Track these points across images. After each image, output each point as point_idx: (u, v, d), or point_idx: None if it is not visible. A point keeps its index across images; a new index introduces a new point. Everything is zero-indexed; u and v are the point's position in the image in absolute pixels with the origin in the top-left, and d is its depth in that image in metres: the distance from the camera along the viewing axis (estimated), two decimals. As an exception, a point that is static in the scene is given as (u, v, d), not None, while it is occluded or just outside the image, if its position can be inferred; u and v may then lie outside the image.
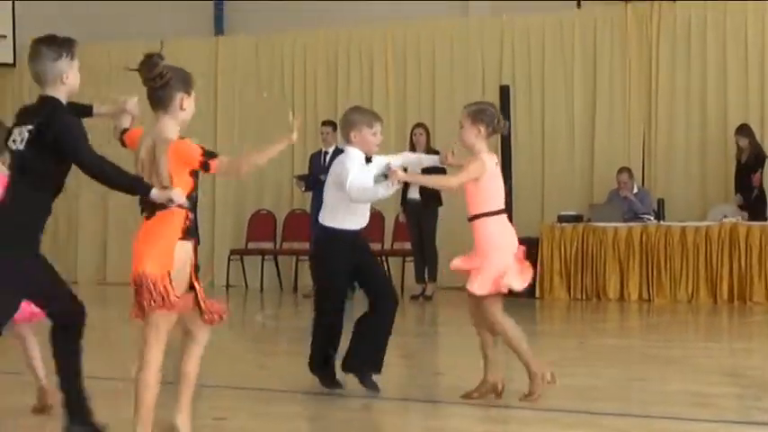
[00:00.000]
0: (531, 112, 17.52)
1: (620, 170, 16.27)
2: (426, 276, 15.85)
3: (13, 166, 6.01)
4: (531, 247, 15.77)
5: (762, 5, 16.37)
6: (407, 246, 16.64)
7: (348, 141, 7.84)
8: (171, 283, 5.65)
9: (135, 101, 6.34)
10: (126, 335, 12.26)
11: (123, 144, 6.13)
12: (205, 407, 8.05)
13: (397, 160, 8.09)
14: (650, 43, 16.98)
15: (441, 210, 15.46)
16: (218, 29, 20.11)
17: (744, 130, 15.65)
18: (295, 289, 17.77)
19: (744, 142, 15.58)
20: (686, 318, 13.90)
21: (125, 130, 6.17)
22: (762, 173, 15.41)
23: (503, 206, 7.53)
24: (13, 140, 5.96)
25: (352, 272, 7.93)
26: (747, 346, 11.40)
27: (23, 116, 6.05)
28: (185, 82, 5.91)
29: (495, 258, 7.34)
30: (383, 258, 17.09)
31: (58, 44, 6.01)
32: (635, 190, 16.20)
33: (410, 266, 16.78)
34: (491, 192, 7.41)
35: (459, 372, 8.74)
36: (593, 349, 10.57)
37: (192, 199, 5.73)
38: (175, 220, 5.67)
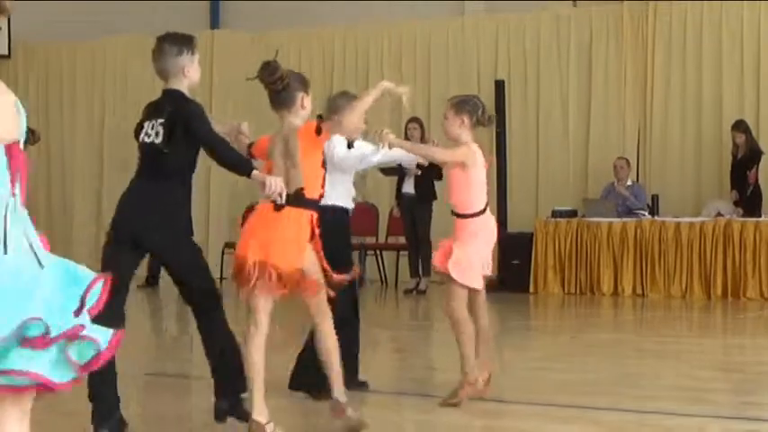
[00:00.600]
0: (526, 108, 17.52)
1: (619, 158, 16.30)
2: (420, 270, 15.85)
3: (144, 159, 6.42)
4: (525, 242, 15.97)
5: (757, 3, 16.37)
6: (402, 240, 16.64)
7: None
8: (303, 277, 6.15)
9: (246, 124, 6.86)
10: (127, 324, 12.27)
11: (252, 156, 6.57)
12: (199, 399, 8.06)
13: (391, 153, 8.03)
14: (645, 40, 16.98)
15: (435, 204, 15.46)
16: (214, 23, 20.10)
17: (740, 125, 15.66)
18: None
19: (740, 138, 15.58)
20: (680, 313, 13.92)
21: (250, 144, 6.68)
22: (757, 169, 15.42)
23: (486, 201, 7.49)
24: (146, 134, 6.39)
25: None
26: (740, 341, 11.42)
27: (152, 111, 6.45)
28: (303, 83, 6.47)
29: (475, 250, 7.32)
30: (377, 252, 17.10)
31: (179, 41, 6.47)
32: (629, 182, 16.21)
33: (404, 260, 16.77)
34: (479, 186, 7.32)
35: (452, 366, 8.74)
36: (586, 344, 10.58)
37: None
38: (304, 220, 6.18)
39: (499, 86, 16.42)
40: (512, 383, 7.47)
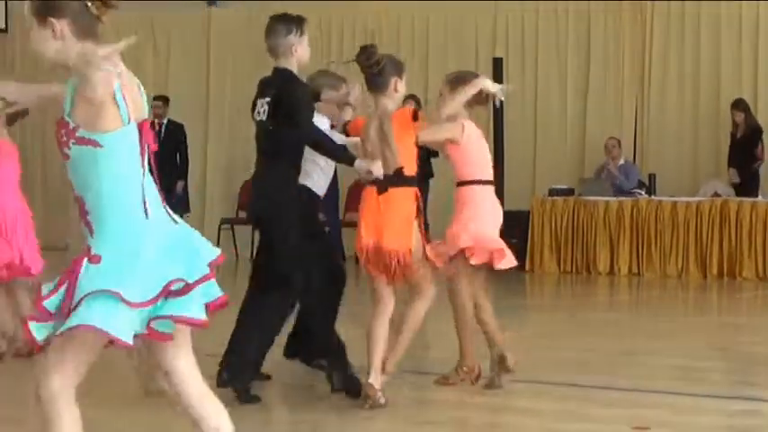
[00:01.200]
0: (523, 86, 17.47)
1: (610, 138, 16.28)
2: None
3: (258, 137, 6.72)
4: (521, 221, 15.96)
5: (756, -18, 16.35)
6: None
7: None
8: (411, 257, 6.44)
9: (357, 90, 7.12)
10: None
11: (347, 134, 6.95)
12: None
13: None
14: (644, 19, 16.94)
15: (432, 182, 15.45)
16: (211, 0, 20.02)
17: (740, 104, 15.62)
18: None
19: (739, 117, 15.54)
20: (675, 292, 13.94)
21: (347, 122, 6.99)
22: (763, 146, 15.36)
23: (491, 178, 7.39)
24: (258, 112, 6.70)
25: None
26: (736, 321, 11.43)
27: (263, 88, 6.78)
28: (397, 67, 6.72)
29: (480, 226, 7.20)
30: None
31: (289, 20, 6.81)
32: (621, 161, 16.19)
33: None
34: (476, 158, 7.19)
35: (448, 344, 8.75)
36: (582, 323, 10.60)
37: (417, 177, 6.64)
38: (409, 198, 6.55)
39: (497, 64, 16.39)
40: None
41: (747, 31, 16.45)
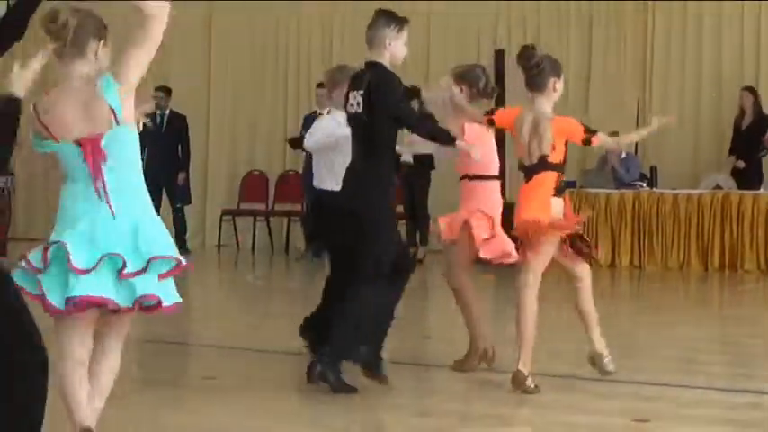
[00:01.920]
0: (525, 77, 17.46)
1: (611, 133, 16.23)
2: (418, 240, 15.86)
3: (352, 129, 6.91)
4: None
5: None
6: (399, 209, 16.64)
7: (331, 99, 7.81)
8: (546, 231, 6.74)
9: (446, 80, 7.45)
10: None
11: (491, 123, 7.16)
12: (194, 366, 8.08)
13: None
14: (646, 9, 16.92)
15: (433, 173, 15.44)
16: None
17: (751, 89, 15.61)
18: (287, 250, 17.77)
19: (748, 101, 15.45)
20: (677, 285, 13.93)
21: (491, 111, 7.22)
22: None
23: (497, 173, 7.50)
24: (351, 105, 6.85)
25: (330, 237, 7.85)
26: (737, 313, 11.42)
27: (355, 81, 6.94)
28: (555, 68, 7.05)
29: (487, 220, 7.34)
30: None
31: (390, 16, 6.94)
32: (623, 154, 16.17)
33: (402, 230, 16.78)
34: (483, 153, 7.28)
35: (448, 335, 8.75)
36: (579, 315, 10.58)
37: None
38: (548, 180, 6.88)
39: (499, 56, 16.36)
40: (507, 353, 7.46)
41: (749, 26, 16.44)
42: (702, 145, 16.59)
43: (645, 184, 15.70)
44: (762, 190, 14.90)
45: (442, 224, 7.59)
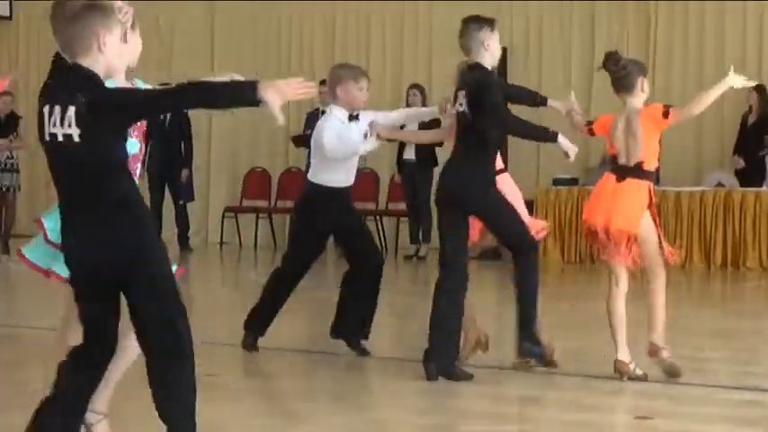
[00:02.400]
0: (528, 74, 17.46)
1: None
2: (420, 237, 15.87)
3: (458, 126, 7.25)
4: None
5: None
6: (402, 206, 16.65)
7: (335, 97, 7.84)
8: (635, 243, 7.14)
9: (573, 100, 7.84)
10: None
11: (592, 133, 7.66)
12: (196, 363, 8.07)
13: (393, 115, 8.09)
14: (648, 8, 16.92)
15: (436, 170, 15.44)
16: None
17: (760, 87, 15.60)
18: (289, 247, 17.76)
19: (753, 100, 15.42)
20: (679, 282, 13.92)
21: (590, 122, 7.69)
22: None
23: (502, 166, 7.55)
24: (460, 104, 7.21)
25: (335, 232, 8.02)
26: (739, 310, 11.42)
27: (461, 81, 7.40)
28: (642, 69, 7.49)
29: None
30: (377, 218, 17.10)
31: (479, 19, 7.41)
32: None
33: (405, 227, 16.79)
34: None
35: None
36: (585, 312, 10.57)
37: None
38: (642, 190, 7.17)
39: (502, 54, 16.34)
40: (510, 351, 7.47)
41: (751, 27, 16.45)
42: (705, 143, 16.58)
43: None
44: (764, 187, 14.90)
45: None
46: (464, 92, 7.19)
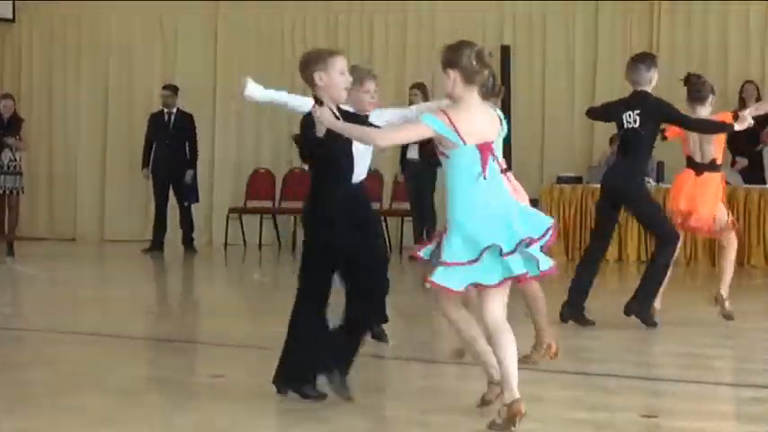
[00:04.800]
0: (531, 73, 17.47)
1: (612, 138, 16.22)
2: (425, 236, 15.87)
3: (624, 138, 9.47)
4: (529, 209, 15.92)
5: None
6: (406, 206, 16.65)
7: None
8: (715, 222, 9.51)
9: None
10: (123, 292, 12.29)
11: (664, 138, 9.76)
12: (202, 364, 8.09)
13: (406, 113, 7.95)
14: (651, 7, 16.92)
15: (439, 170, 15.42)
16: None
17: (753, 83, 15.60)
18: (293, 247, 17.78)
19: (752, 96, 15.42)
20: (684, 280, 13.92)
21: (662, 129, 9.59)
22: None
23: (505, 165, 7.50)
24: (627, 121, 9.34)
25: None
26: (744, 308, 11.40)
27: (630, 103, 9.39)
28: (712, 88, 9.87)
29: None
30: (381, 218, 17.10)
31: (648, 61, 9.54)
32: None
33: (408, 226, 16.79)
34: None
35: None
36: (589, 310, 10.58)
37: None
38: (716, 181, 9.55)
39: (505, 52, 16.37)
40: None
41: (756, 26, 16.43)
42: (709, 140, 16.57)
43: (651, 180, 15.68)
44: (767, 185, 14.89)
45: None
46: (635, 112, 9.23)
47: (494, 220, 5.67)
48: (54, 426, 5.60)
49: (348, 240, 6.31)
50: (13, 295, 12.57)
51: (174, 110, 17.36)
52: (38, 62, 20.04)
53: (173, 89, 17.45)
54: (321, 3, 18.61)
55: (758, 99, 15.48)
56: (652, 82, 9.40)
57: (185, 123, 17.33)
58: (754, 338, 9.14)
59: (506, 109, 15.91)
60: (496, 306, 5.68)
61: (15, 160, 15.89)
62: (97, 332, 8.75)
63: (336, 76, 6.28)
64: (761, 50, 16.41)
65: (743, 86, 15.81)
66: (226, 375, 7.21)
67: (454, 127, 5.69)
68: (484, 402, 6.11)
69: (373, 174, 17.49)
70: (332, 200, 6.27)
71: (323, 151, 6.14)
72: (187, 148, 17.30)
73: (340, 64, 6.33)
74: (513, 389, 5.62)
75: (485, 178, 5.72)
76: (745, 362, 8.11)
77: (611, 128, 16.43)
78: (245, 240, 18.29)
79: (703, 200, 9.43)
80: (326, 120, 5.97)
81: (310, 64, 6.29)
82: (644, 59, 9.52)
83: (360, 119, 6.61)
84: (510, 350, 5.64)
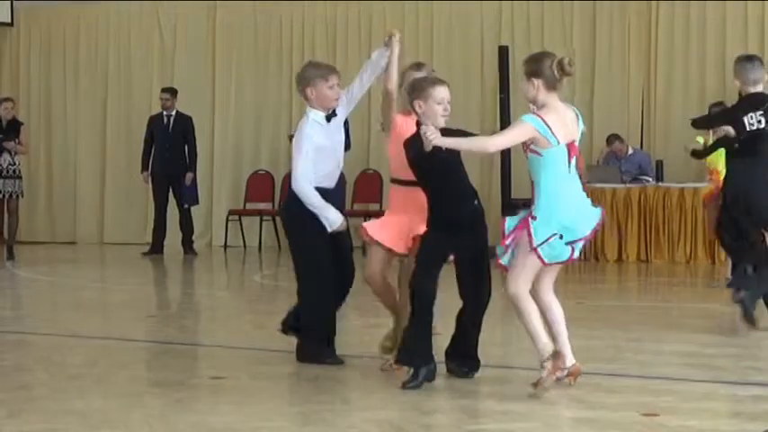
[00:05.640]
0: (530, 73, 17.48)
1: (610, 139, 16.25)
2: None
3: (746, 139, 9.10)
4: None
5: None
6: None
7: (306, 99, 7.63)
8: None
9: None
10: (123, 295, 12.29)
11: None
12: (203, 366, 8.09)
13: (364, 80, 7.91)
14: (649, 8, 16.93)
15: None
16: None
17: None
18: (293, 249, 17.78)
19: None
20: (684, 279, 13.93)
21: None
22: None
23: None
24: (750, 123, 9.06)
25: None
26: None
27: (750, 105, 9.09)
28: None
29: None
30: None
31: (759, 58, 9.31)
32: (630, 151, 16.21)
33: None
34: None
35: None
36: (590, 310, 10.59)
37: None
38: None
39: (503, 53, 16.37)
40: (516, 349, 7.48)
41: (753, 27, 16.46)
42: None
43: (651, 179, 15.70)
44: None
45: None
46: (758, 113, 9.01)
47: (580, 211, 6.44)
48: (55, 429, 5.60)
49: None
50: (13, 299, 12.56)
51: (173, 112, 17.38)
52: (36, 66, 20.06)
53: (171, 92, 17.46)
54: (319, 3, 18.61)
55: None
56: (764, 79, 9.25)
57: (184, 126, 17.35)
58: (754, 336, 9.13)
59: (506, 109, 15.95)
60: (551, 284, 6.84)
61: (15, 164, 15.89)
62: (98, 335, 8.76)
63: (434, 106, 6.86)
64: (760, 50, 16.41)
65: None
66: (226, 377, 7.21)
67: (549, 128, 6.38)
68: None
69: (373, 175, 17.53)
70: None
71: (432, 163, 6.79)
72: (186, 151, 17.32)
73: (441, 94, 6.91)
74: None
75: (569, 172, 6.40)
76: (745, 360, 8.10)
77: (611, 128, 16.59)
78: (244, 242, 18.30)
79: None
80: (436, 137, 6.50)
81: (413, 91, 7.08)
82: (760, 60, 9.30)
83: (458, 133, 6.85)
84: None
